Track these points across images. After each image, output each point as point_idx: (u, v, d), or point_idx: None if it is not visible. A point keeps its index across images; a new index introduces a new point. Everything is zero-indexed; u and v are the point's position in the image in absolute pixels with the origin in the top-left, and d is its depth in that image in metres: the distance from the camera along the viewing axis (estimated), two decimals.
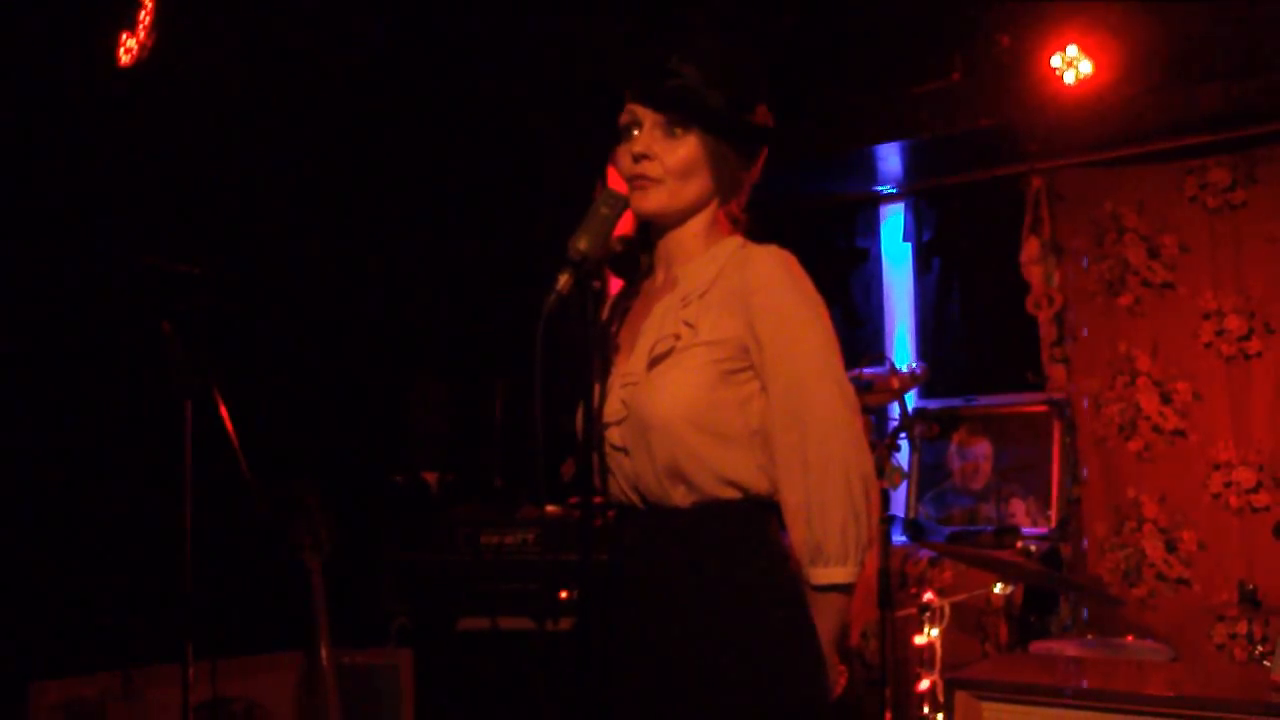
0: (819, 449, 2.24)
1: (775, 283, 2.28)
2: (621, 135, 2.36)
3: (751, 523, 2.30)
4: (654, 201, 2.33)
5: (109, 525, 4.73)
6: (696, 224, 2.39)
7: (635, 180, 2.33)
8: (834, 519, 2.23)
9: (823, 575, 2.25)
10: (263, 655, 4.75)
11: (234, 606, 4.62)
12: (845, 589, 2.27)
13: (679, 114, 2.31)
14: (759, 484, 2.29)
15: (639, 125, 2.34)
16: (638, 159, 2.32)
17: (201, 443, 4.06)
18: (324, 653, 4.33)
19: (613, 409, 2.33)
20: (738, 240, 2.40)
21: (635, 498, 2.34)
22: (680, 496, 2.27)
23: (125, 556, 4.72)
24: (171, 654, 4.04)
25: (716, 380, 2.26)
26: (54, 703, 4.24)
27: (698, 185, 2.35)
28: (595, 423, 2.32)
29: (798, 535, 2.27)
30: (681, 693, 2.23)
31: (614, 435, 2.33)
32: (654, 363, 2.30)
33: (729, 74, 2.32)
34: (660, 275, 2.45)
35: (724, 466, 2.26)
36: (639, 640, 2.29)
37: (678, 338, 2.30)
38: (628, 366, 2.36)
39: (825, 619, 2.28)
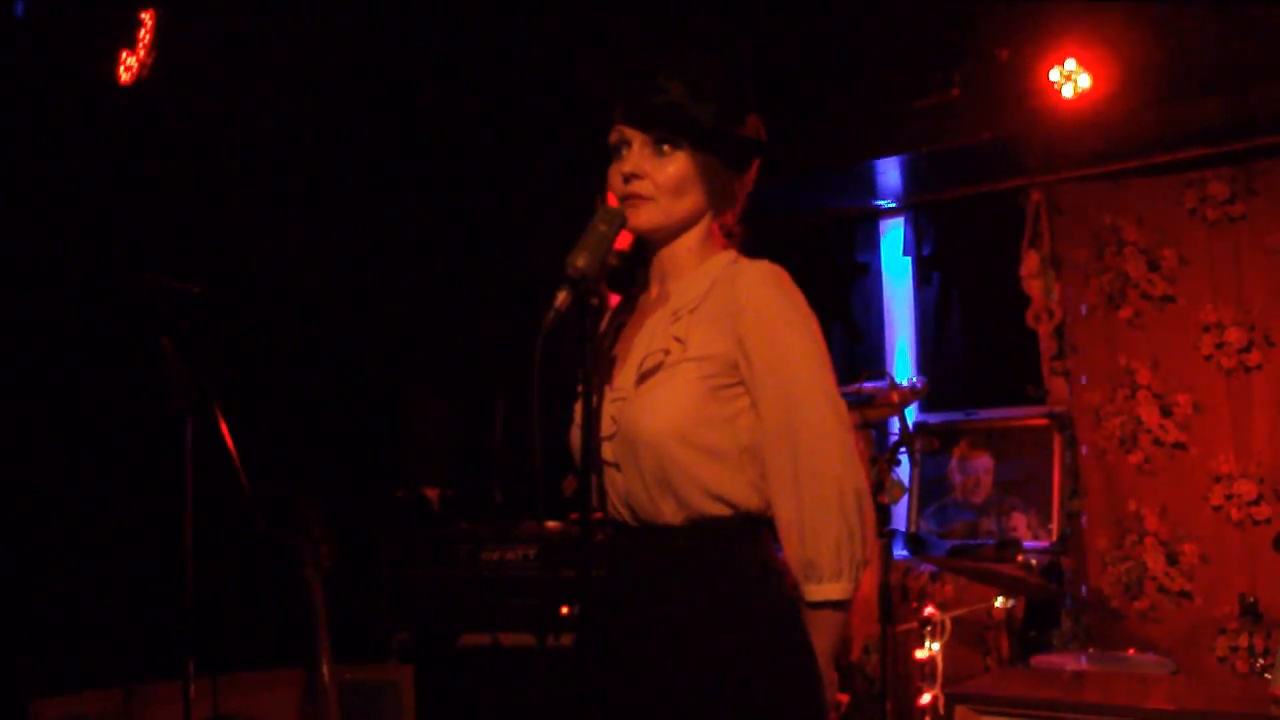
0: (810, 465, 2.23)
1: (765, 298, 2.28)
2: (612, 155, 2.36)
3: (743, 539, 2.29)
4: (647, 219, 2.33)
5: (109, 542, 4.73)
6: (690, 238, 2.39)
7: (627, 199, 2.33)
8: (827, 535, 2.22)
9: (817, 592, 2.25)
10: (263, 672, 4.74)
11: (235, 623, 4.62)
12: (840, 605, 2.26)
13: (666, 132, 2.31)
14: (750, 500, 2.28)
15: (628, 145, 2.34)
16: (628, 179, 2.32)
17: (202, 459, 4.06)
18: (325, 669, 4.32)
19: (603, 425, 2.32)
20: (731, 255, 2.40)
21: (627, 514, 2.33)
22: (671, 512, 2.27)
23: (126, 573, 4.72)
24: (172, 671, 4.04)
25: (705, 396, 2.26)
26: None
27: (690, 201, 2.35)
28: (592, 439, 2.31)
29: (791, 551, 2.26)
30: (678, 710, 2.23)
31: (605, 451, 2.32)
32: (643, 378, 2.31)
33: (715, 87, 2.32)
34: (654, 289, 2.45)
35: (712, 482, 2.26)
36: (635, 656, 2.29)
37: (666, 353, 2.30)
38: (618, 382, 2.36)
39: (821, 636, 2.27)
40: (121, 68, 5.01)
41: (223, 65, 5.13)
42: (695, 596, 2.26)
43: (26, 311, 4.67)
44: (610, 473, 2.33)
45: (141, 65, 4.96)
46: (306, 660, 4.41)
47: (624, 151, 2.34)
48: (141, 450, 4.67)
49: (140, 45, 4.98)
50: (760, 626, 2.25)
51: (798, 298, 2.31)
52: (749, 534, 2.30)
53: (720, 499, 2.27)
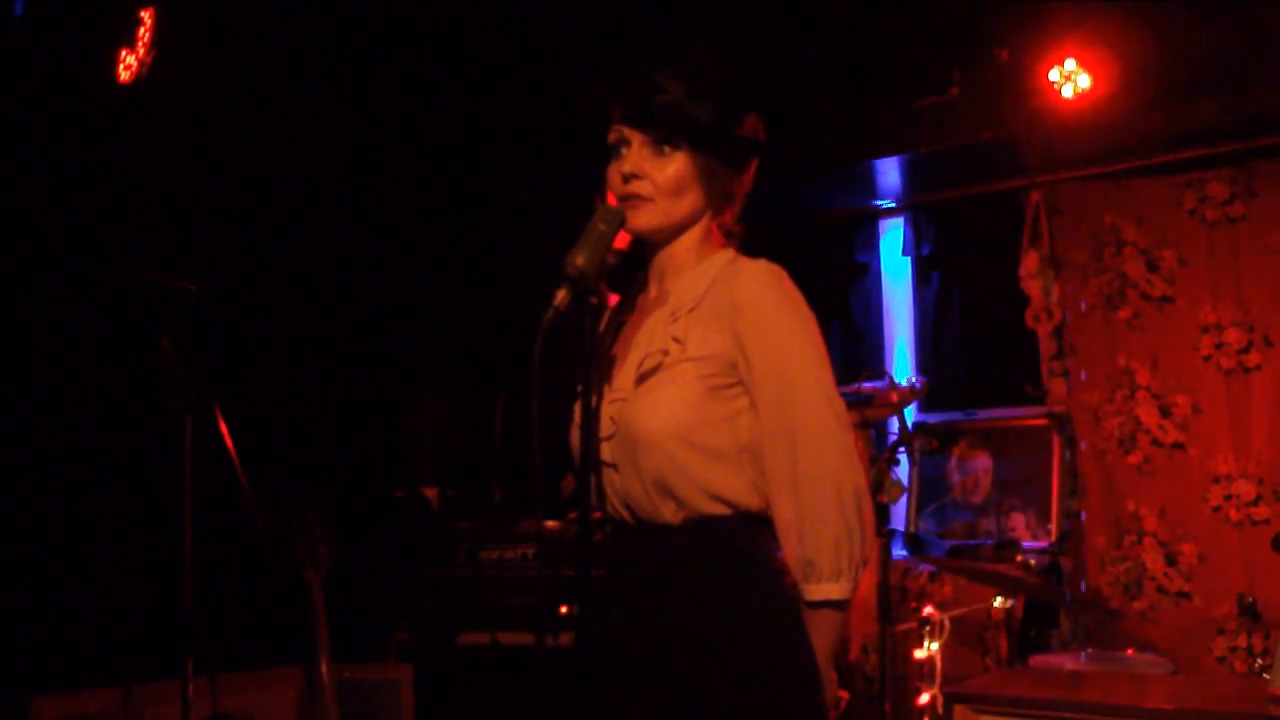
0: (809, 464, 2.23)
1: (763, 297, 2.28)
2: (611, 154, 2.36)
3: (742, 538, 2.29)
4: (646, 220, 2.33)
5: (109, 541, 4.73)
6: (689, 238, 2.39)
7: (627, 199, 2.33)
8: (826, 535, 2.22)
9: (816, 591, 2.24)
10: (263, 671, 4.75)
11: (234, 622, 4.62)
12: (839, 605, 2.25)
13: (666, 132, 2.31)
14: (749, 500, 2.28)
15: (627, 144, 2.33)
16: (627, 179, 2.32)
17: (201, 458, 4.06)
18: (324, 668, 4.32)
19: (602, 425, 2.32)
20: (729, 254, 2.40)
21: (626, 514, 2.33)
22: (670, 512, 2.27)
23: (125, 572, 4.71)
24: (172, 670, 4.04)
25: (704, 396, 2.26)
26: (54, 719, 4.24)
27: (689, 201, 2.34)
28: (591, 438, 2.31)
29: (790, 551, 2.26)
30: (677, 709, 2.23)
31: (604, 451, 2.32)
32: (642, 378, 2.30)
33: (715, 86, 2.32)
34: (653, 289, 2.44)
35: (712, 483, 2.26)
36: (634, 656, 2.29)
37: (665, 353, 2.29)
38: (617, 382, 2.36)
39: (820, 635, 2.27)
40: (121, 66, 5.00)
41: (223, 64, 5.12)
42: (694, 596, 2.26)
43: (26, 310, 4.67)
44: (608, 473, 2.33)
45: (141, 64, 4.96)
46: (306, 659, 4.41)
47: (623, 151, 2.34)
48: (140, 449, 4.67)
49: (140, 44, 4.97)
50: (759, 626, 2.25)
51: (796, 297, 2.31)
52: (748, 533, 2.30)
53: (720, 499, 2.26)
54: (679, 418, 2.24)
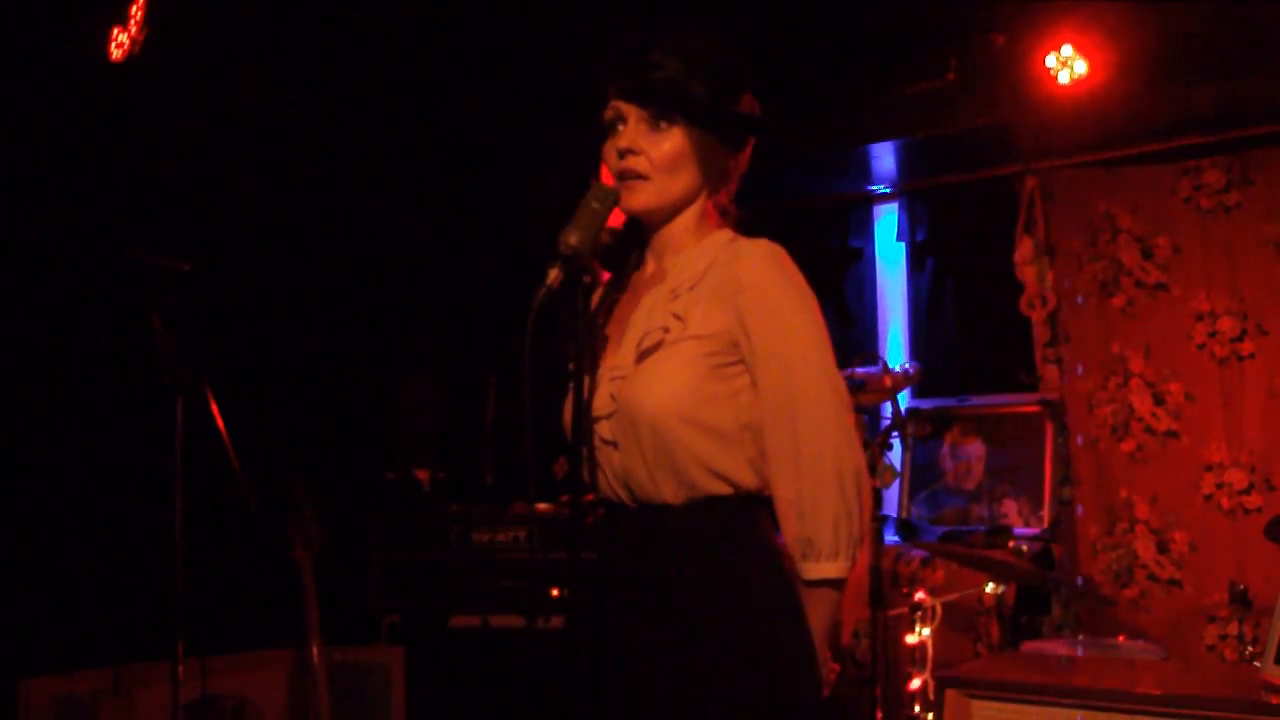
0: (810, 443, 2.23)
1: (766, 276, 2.27)
2: (607, 131, 2.35)
3: (742, 518, 2.29)
4: (642, 199, 2.32)
5: (99, 522, 4.72)
6: (686, 217, 2.38)
7: (623, 176, 2.32)
8: (825, 513, 2.22)
9: (814, 570, 2.24)
10: (253, 652, 4.74)
11: (224, 603, 4.61)
12: (837, 584, 2.26)
13: (662, 108, 2.30)
14: (750, 479, 2.28)
15: (623, 120, 2.32)
16: (623, 154, 2.31)
17: (192, 439, 4.05)
18: (315, 650, 4.32)
19: (601, 403, 2.31)
20: (728, 234, 2.39)
21: (624, 494, 2.32)
22: (670, 492, 2.26)
23: (115, 553, 4.70)
24: (162, 651, 4.04)
25: (706, 374, 2.25)
26: (44, 700, 4.23)
27: (685, 179, 2.33)
28: (584, 418, 2.30)
29: (789, 530, 2.26)
30: (675, 689, 2.23)
31: (603, 429, 2.31)
32: (642, 356, 2.29)
33: (712, 64, 2.31)
34: (649, 267, 2.44)
35: (714, 461, 2.25)
36: (631, 637, 2.28)
37: (666, 331, 2.28)
38: (616, 360, 2.34)
39: (817, 614, 2.27)
40: (113, 44, 4.99)
41: (215, 41, 5.10)
42: (694, 576, 2.25)
43: (16, 289, 4.65)
44: (608, 452, 2.32)
45: (133, 42, 4.94)
46: (296, 641, 4.41)
47: (619, 127, 2.33)
48: (131, 428, 4.66)
49: (132, 21, 4.96)
50: (759, 604, 2.25)
51: (798, 277, 2.30)
52: (748, 513, 2.30)
53: (721, 477, 2.26)
54: (681, 395, 2.24)
